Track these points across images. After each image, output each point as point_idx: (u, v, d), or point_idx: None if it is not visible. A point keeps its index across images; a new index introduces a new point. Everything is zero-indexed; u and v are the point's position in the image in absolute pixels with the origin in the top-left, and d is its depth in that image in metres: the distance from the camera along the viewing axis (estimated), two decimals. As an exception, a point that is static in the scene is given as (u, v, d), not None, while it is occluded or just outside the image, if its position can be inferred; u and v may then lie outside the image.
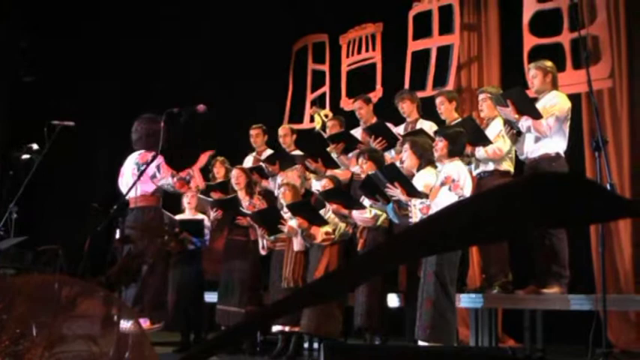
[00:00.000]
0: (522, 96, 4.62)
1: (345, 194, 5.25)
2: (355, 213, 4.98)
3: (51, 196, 7.82)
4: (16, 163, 5.85)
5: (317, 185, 5.76)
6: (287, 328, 5.21)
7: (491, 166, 4.92)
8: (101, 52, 8.32)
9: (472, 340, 4.89)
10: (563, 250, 4.56)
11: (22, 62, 8.32)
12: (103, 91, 8.60)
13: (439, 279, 4.18)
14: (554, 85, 4.77)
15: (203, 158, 5.37)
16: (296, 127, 7.10)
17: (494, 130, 4.90)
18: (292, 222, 5.22)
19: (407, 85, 6.76)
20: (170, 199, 5.49)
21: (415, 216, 4.40)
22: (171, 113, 4.57)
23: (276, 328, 5.30)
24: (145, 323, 4.68)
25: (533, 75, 4.78)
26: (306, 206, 5.25)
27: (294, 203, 5.29)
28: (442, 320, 4.17)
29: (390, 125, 5.59)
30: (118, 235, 4.67)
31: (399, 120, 5.81)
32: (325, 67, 8.01)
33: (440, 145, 4.41)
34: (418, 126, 5.54)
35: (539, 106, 4.62)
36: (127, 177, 5.03)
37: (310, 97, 8.01)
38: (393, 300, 5.08)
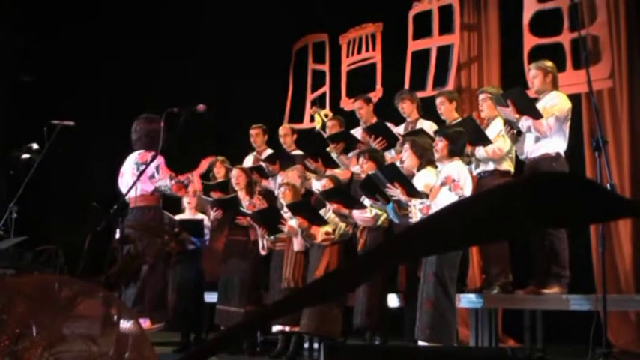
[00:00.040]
0: (522, 96, 4.63)
1: (345, 194, 5.25)
2: (356, 213, 4.98)
3: (51, 196, 7.82)
4: (16, 163, 5.84)
5: (317, 185, 5.76)
6: (287, 328, 5.22)
7: (491, 166, 4.92)
8: (101, 52, 8.31)
9: (472, 340, 4.89)
10: (563, 251, 4.56)
11: (21, 62, 8.32)
12: (103, 91, 8.59)
13: (439, 279, 4.18)
14: (555, 85, 4.77)
15: (204, 164, 5.36)
16: (296, 127, 7.11)
17: (495, 130, 4.90)
18: (292, 222, 5.22)
19: (407, 85, 6.77)
20: (170, 199, 5.48)
21: (415, 216, 4.39)
22: (171, 113, 4.56)
23: (276, 328, 5.30)
24: (145, 323, 4.67)
25: (534, 75, 4.78)
26: (306, 206, 5.25)
27: (294, 203, 5.29)
28: (442, 320, 4.17)
29: (390, 125, 5.60)
30: (117, 235, 4.67)
31: (399, 120, 5.82)
32: (325, 67, 8.01)
33: (440, 145, 4.41)
34: (418, 126, 5.54)
35: (539, 106, 4.62)
36: (126, 177, 5.02)
37: (310, 97, 8.01)
38: (393, 300, 5.08)
